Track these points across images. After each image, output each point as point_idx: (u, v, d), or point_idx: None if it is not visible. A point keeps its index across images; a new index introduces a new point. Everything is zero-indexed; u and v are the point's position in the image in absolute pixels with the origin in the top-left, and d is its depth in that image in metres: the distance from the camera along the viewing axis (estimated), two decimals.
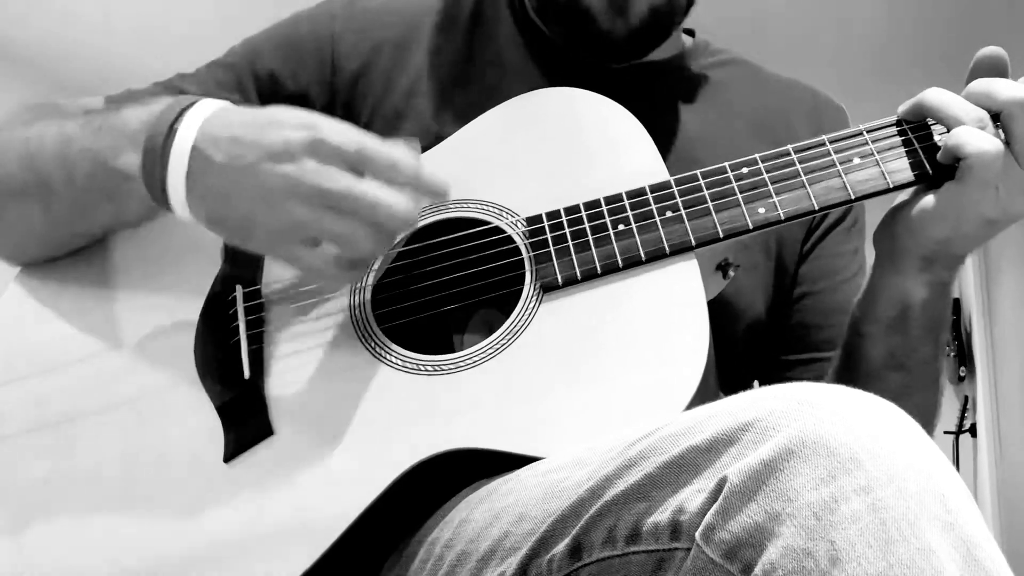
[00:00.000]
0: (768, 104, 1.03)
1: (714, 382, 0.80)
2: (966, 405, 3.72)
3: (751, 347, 0.99)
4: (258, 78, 0.96)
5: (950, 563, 0.50)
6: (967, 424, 3.68)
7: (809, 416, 0.53)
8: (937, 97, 0.77)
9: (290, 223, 0.71)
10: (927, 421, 0.88)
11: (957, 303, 3.83)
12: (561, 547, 0.59)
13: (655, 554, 0.56)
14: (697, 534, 0.54)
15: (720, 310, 0.90)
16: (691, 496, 0.55)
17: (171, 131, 0.75)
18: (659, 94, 1.00)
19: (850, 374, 0.88)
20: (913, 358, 0.85)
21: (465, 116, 0.90)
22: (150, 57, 3.39)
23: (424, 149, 0.88)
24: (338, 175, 0.71)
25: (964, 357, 3.73)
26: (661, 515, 0.56)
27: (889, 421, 0.55)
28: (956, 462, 3.66)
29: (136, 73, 3.44)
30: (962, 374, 3.70)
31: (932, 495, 0.51)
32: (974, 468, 3.68)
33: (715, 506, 0.53)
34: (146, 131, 0.76)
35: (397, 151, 0.73)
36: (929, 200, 0.78)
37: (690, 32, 1.07)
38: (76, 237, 0.87)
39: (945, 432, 3.62)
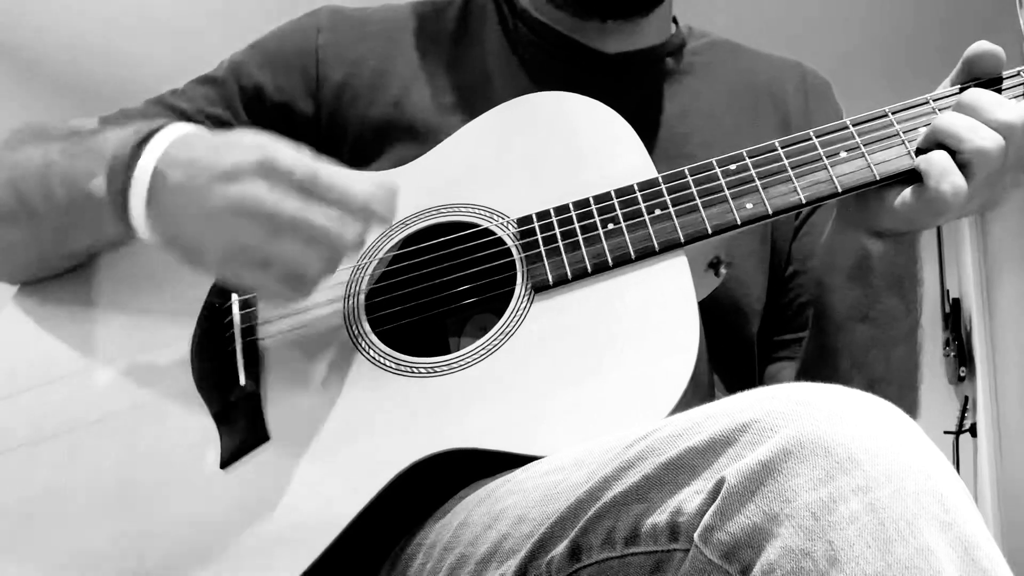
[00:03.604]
0: (755, 80, 1.04)
1: (708, 381, 0.80)
2: (966, 405, 3.71)
3: (758, 337, 0.99)
4: (244, 92, 0.97)
5: (948, 563, 0.50)
6: (967, 424, 3.68)
7: (807, 417, 0.53)
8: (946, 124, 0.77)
9: (237, 244, 0.71)
10: (907, 378, 0.88)
11: (957, 303, 3.82)
12: (560, 549, 0.59)
13: (654, 555, 0.56)
14: (695, 535, 0.54)
15: (723, 304, 0.90)
16: (689, 497, 0.55)
17: (136, 153, 0.76)
18: (648, 83, 1.00)
19: (819, 329, 0.89)
20: (876, 309, 0.85)
21: (453, 124, 0.90)
22: (152, 57, 3.40)
23: (415, 157, 0.89)
24: (286, 198, 0.70)
25: (964, 357, 3.72)
26: (659, 516, 0.56)
27: (887, 421, 0.55)
28: (956, 462, 3.65)
29: (136, 73, 3.46)
30: (962, 374, 3.69)
31: (930, 495, 0.51)
32: (974, 468, 3.68)
33: (713, 507, 0.53)
34: (114, 152, 0.77)
35: (349, 178, 0.73)
36: (890, 197, 0.79)
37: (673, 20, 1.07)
38: (63, 259, 0.88)
39: (945, 432, 3.62)
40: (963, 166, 0.75)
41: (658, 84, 1.00)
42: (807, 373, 0.91)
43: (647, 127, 0.95)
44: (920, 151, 0.78)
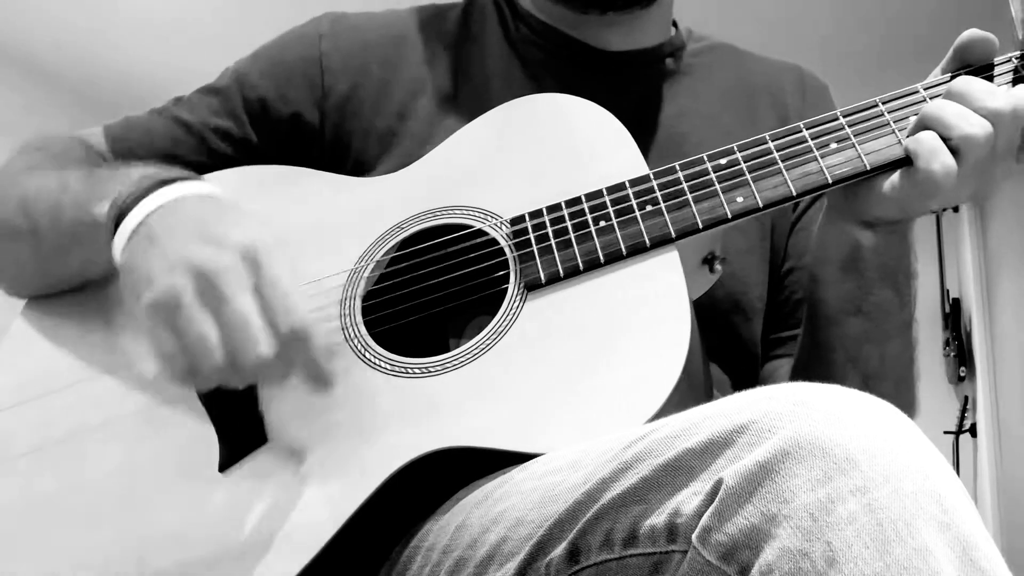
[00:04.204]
0: (754, 83, 1.04)
1: (705, 381, 0.80)
2: (966, 405, 3.71)
3: (760, 335, 0.98)
4: (248, 103, 0.97)
5: (947, 563, 0.49)
6: (967, 424, 3.68)
7: (804, 417, 0.53)
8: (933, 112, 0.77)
9: (172, 298, 0.68)
10: (902, 372, 0.88)
11: (957, 303, 3.83)
12: (559, 551, 0.59)
13: (652, 557, 0.56)
14: (693, 536, 0.54)
15: (724, 302, 0.90)
16: (687, 499, 0.55)
17: (151, 189, 0.76)
18: (648, 82, 1.00)
19: (812, 323, 0.88)
20: (869, 302, 0.85)
21: (455, 128, 0.90)
22: (155, 61, 3.41)
23: (415, 161, 0.89)
24: (241, 288, 0.68)
25: (964, 357, 3.73)
26: (657, 518, 0.56)
27: (885, 421, 0.55)
28: (956, 462, 3.65)
29: (139, 77, 3.46)
30: (962, 374, 3.70)
31: (928, 495, 0.51)
32: (974, 468, 3.68)
33: (711, 508, 0.53)
34: (134, 182, 0.78)
35: (302, 311, 0.69)
36: (879, 185, 0.79)
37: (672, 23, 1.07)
38: (64, 280, 0.89)
39: (945, 432, 3.62)
40: (952, 152, 0.75)
41: (657, 84, 1.00)
42: (802, 369, 0.91)
43: (646, 126, 0.95)
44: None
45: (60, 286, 0.90)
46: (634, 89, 0.99)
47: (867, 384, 0.84)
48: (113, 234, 0.77)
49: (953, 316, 3.78)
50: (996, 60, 0.80)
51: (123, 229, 0.76)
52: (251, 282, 0.68)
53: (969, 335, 3.74)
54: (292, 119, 0.97)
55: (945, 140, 0.75)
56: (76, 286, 0.90)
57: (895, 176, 0.78)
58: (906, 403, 0.87)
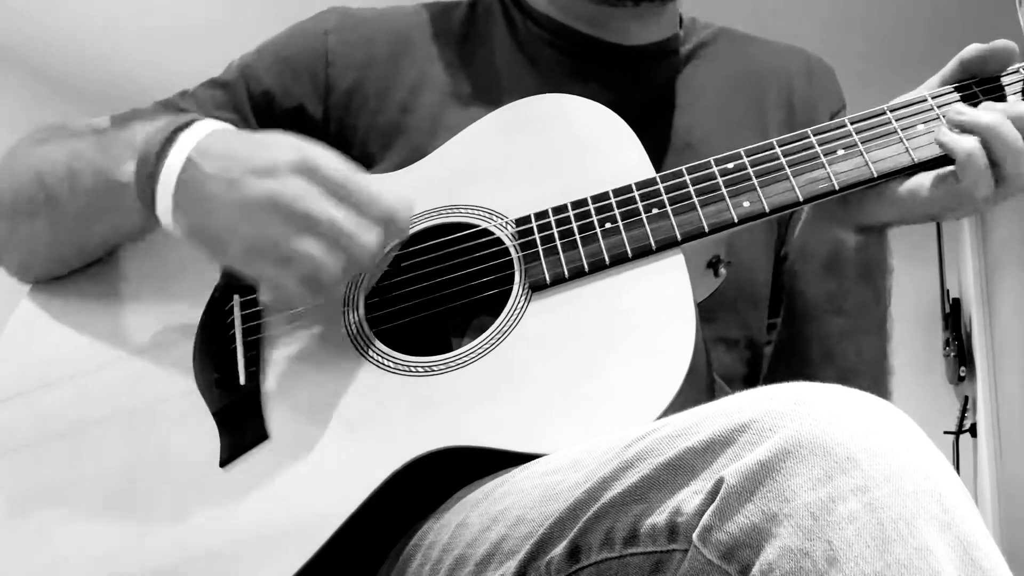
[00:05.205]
0: (760, 68, 1.04)
1: (708, 381, 0.81)
2: (966, 405, 3.71)
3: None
4: (253, 96, 0.97)
5: (947, 563, 0.50)
6: (967, 424, 3.68)
7: (806, 416, 0.53)
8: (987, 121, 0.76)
9: (264, 238, 0.73)
10: (877, 367, 0.89)
11: (957, 303, 3.82)
12: (559, 549, 0.59)
13: (653, 556, 0.56)
14: (694, 535, 0.54)
15: (731, 292, 0.90)
16: (688, 497, 0.55)
17: (169, 141, 0.78)
18: (657, 75, 1.00)
19: (789, 315, 0.89)
20: (850, 301, 0.85)
21: (460, 126, 0.90)
22: (155, 59, 3.41)
23: (418, 159, 0.90)
24: (319, 199, 0.72)
25: (964, 357, 3.72)
26: (658, 517, 0.56)
27: (886, 420, 0.55)
28: (956, 462, 3.65)
29: (140, 74, 3.46)
30: (962, 374, 3.69)
31: (929, 494, 0.51)
32: (974, 468, 3.68)
33: (712, 507, 0.53)
34: (146, 140, 0.79)
35: (378, 188, 0.74)
36: (890, 191, 0.79)
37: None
38: (79, 253, 0.89)
39: (945, 432, 3.62)
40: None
41: (666, 75, 1.00)
42: (778, 359, 0.92)
43: (654, 119, 0.95)
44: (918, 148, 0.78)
45: (78, 261, 0.90)
46: (642, 83, 0.99)
47: (843, 380, 0.84)
48: (149, 194, 0.78)
49: (953, 316, 3.77)
50: (1003, 74, 0.80)
51: (163, 192, 0.77)
52: (321, 191, 0.72)
53: (969, 335, 3.74)
54: (296, 113, 0.97)
55: (993, 165, 0.75)
56: (95, 259, 0.90)
57: (930, 181, 0.77)
58: (880, 397, 0.87)
